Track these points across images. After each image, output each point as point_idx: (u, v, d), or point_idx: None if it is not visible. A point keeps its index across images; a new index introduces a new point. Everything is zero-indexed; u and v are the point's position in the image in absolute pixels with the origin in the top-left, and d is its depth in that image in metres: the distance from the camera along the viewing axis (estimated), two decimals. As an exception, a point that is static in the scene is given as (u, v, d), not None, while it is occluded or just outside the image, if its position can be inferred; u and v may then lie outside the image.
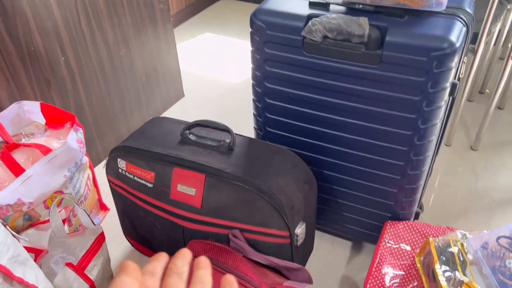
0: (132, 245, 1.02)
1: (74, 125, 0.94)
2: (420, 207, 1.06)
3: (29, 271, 0.67)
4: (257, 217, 0.76)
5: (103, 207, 1.15)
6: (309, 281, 0.78)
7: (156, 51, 1.39)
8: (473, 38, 1.20)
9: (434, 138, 0.77)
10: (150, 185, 0.83)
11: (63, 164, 0.88)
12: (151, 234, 0.92)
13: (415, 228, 0.87)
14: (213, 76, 1.75)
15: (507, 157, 1.29)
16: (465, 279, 0.74)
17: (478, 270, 0.76)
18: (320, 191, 0.94)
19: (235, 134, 0.85)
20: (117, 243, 1.05)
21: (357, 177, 0.87)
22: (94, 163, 1.25)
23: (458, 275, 0.75)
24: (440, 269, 0.75)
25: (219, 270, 0.71)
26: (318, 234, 1.06)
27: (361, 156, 0.84)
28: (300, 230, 0.80)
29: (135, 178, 0.85)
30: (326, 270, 0.99)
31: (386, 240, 0.86)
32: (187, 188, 0.79)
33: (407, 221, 0.88)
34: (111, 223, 1.09)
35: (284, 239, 0.77)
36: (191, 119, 0.87)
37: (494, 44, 1.49)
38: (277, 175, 0.78)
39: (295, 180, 0.79)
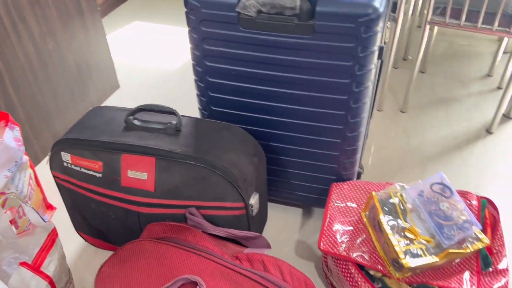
0: (86, 240, 1.00)
1: (9, 123, 0.90)
2: (361, 167, 1.14)
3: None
4: (211, 193, 0.78)
5: (49, 207, 1.11)
6: (268, 246, 0.82)
7: (85, 43, 1.35)
8: (393, 7, 1.29)
9: (368, 100, 0.83)
10: (98, 175, 0.82)
11: (2, 164, 0.85)
12: (105, 225, 0.91)
13: (358, 186, 0.93)
14: (147, 64, 1.72)
15: (432, 116, 1.41)
16: (407, 225, 0.81)
17: (418, 216, 0.84)
18: (268, 163, 0.98)
19: (181, 115, 0.86)
20: (70, 240, 1.03)
21: (302, 145, 0.92)
22: (33, 162, 1.19)
23: (400, 222, 0.82)
24: (384, 219, 0.82)
25: (181, 248, 0.72)
26: (270, 205, 1.11)
27: (303, 124, 0.88)
28: (254, 200, 0.83)
29: (82, 170, 0.83)
30: (281, 236, 1.04)
31: (334, 201, 0.92)
32: (138, 173, 0.80)
33: (351, 181, 0.94)
34: (59, 222, 1.06)
35: (239, 210, 0.80)
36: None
37: (412, 14, 1.61)
38: (227, 150, 0.80)
39: (245, 154, 0.82)
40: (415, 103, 1.46)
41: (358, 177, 1.00)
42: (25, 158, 0.96)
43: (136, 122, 0.84)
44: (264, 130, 0.92)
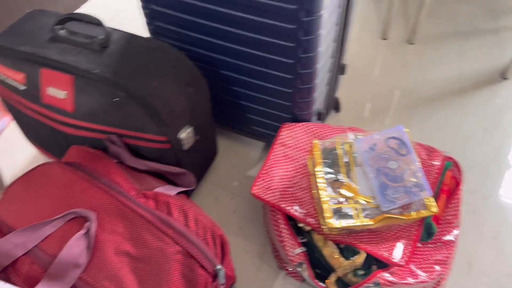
0: (38, 150, 0.99)
1: None
2: (336, 105, 1.02)
3: None
4: (130, 122, 0.71)
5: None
6: (191, 185, 0.76)
7: None
8: None
9: (322, 32, 0.69)
10: (22, 87, 0.77)
11: None
12: (41, 138, 0.87)
13: (312, 129, 0.83)
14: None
15: (442, 51, 1.22)
16: (345, 181, 0.72)
17: (363, 172, 0.74)
18: (220, 91, 0.88)
19: (114, 29, 0.76)
20: (24, 147, 1.02)
21: (252, 77, 0.81)
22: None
23: (340, 177, 0.73)
24: (321, 172, 0.73)
25: (86, 179, 0.68)
26: (230, 136, 1.03)
27: (250, 53, 0.76)
28: (185, 134, 0.76)
29: (7, 80, 0.78)
30: (233, 172, 0.98)
31: (281, 142, 0.83)
32: (58, 91, 0.73)
33: (305, 123, 0.84)
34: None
35: (163, 144, 0.73)
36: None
37: None
38: (152, 76, 0.71)
39: (175, 82, 0.73)
40: (427, 33, 1.27)
41: (320, 118, 0.89)
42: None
43: (62, 32, 0.75)
44: (212, 54, 0.81)
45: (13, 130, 1.06)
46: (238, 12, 0.71)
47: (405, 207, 0.71)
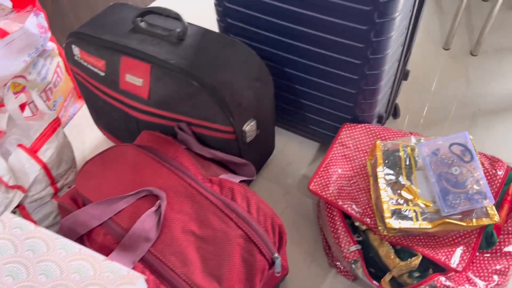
0: (104, 134, 1.05)
1: (35, 9, 0.91)
2: (395, 111, 1.03)
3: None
4: (201, 111, 0.75)
5: (80, 96, 1.16)
6: (252, 175, 0.79)
7: None
8: None
9: (393, 34, 0.70)
10: (102, 73, 0.82)
11: (21, 48, 0.88)
12: (112, 123, 0.93)
13: (373, 131, 0.84)
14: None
15: (506, 64, 1.19)
16: (407, 183, 0.73)
17: (424, 176, 0.74)
18: (283, 90, 0.91)
19: (190, 23, 0.80)
20: (92, 131, 1.08)
21: (317, 76, 0.83)
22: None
23: (401, 179, 0.74)
24: (382, 172, 0.74)
25: (157, 161, 0.72)
26: (287, 135, 1.06)
27: (319, 53, 0.79)
28: (249, 127, 0.79)
29: (88, 66, 0.84)
30: (288, 169, 1.00)
31: (341, 142, 0.84)
32: (135, 78, 0.78)
33: (366, 124, 0.85)
34: (87, 113, 1.12)
35: (229, 134, 0.77)
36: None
37: None
38: (224, 69, 0.75)
39: (244, 76, 0.76)
40: (491, 46, 1.24)
41: (380, 121, 0.90)
42: (52, 45, 0.99)
43: (142, 24, 0.80)
44: (280, 53, 0.84)
45: (83, 115, 1.13)
46: (312, 12, 0.73)
47: (466, 214, 0.70)
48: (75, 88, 1.13)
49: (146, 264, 0.61)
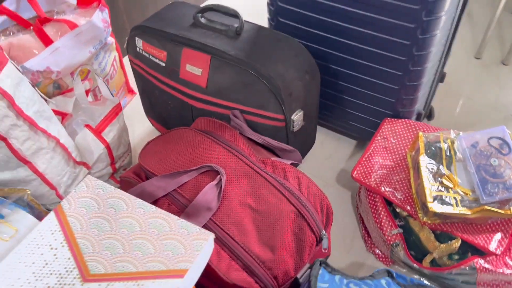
0: (152, 124, 1.12)
1: (100, 5, 1.00)
2: (430, 113, 1.07)
3: (52, 126, 0.77)
4: (255, 99, 0.81)
5: (130, 91, 1.24)
6: (299, 161, 0.84)
7: None
8: None
9: (438, 32, 0.76)
10: (162, 64, 0.89)
11: (88, 40, 0.96)
12: (165, 112, 1.00)
13: (412, 126, 0.89)
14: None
15: (539, 74, 1.24)
16: (447, 172, 0.77)
17: (463, 167, 0.79)
18: (325, 86, 0.97)
19: (245, 20, 0.87)
20: (140, 122, 1.15)
21: (362, 72, 0.89)
22: (124, 52, 1.32)
23: (442, 168, 0.78)
24: (424, 161, 0.79)
25: (215, 141, 0.78)
26: (324, 131, 1.11)
27: (366, 50, 0.85)
28: (297, 117, 0.85)
29: (150, 57, 0.91)
30: (327, 163, 1.05)
31: (382, 134, 0.89)
32: (195, 68, 0.85)
33: (406, 120, 0.90)
34: (137, 105, 1.19)
35: (279, 122, 0.83)
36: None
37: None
38: (278, 61, 0.81)
39: (296, 68, 0.82)
40: (524, 56, 1.29)
41: (418, 118, 0.95)
42: (111, 40, 1.07)
43: (202, 20, 0.87)
44: (326, 50, 0.91)
45: (132, 108, 1.21)
46: (362, 11, 0.79)
47: (504, 203, 0.74)
48: (126, 82, 1.21)
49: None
